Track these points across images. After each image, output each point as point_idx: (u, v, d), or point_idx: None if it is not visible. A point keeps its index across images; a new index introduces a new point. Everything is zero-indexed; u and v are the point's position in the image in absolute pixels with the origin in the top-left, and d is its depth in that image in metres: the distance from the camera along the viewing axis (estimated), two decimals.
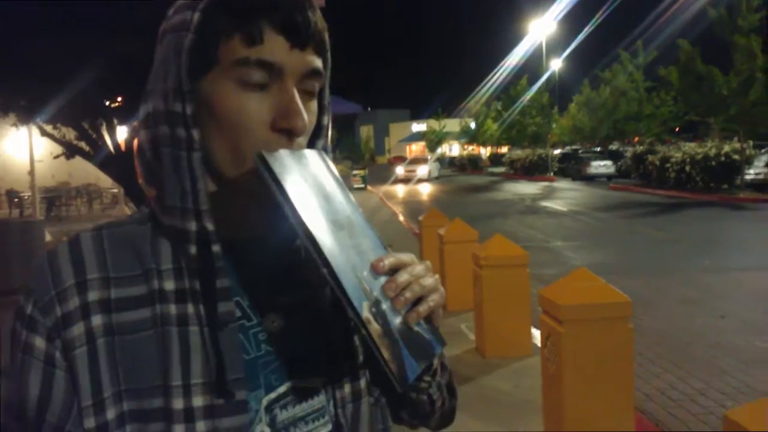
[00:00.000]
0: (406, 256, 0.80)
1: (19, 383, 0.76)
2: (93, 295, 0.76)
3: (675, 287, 8.94)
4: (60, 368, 0.75)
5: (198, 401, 0.75)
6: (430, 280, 0.79)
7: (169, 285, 0.78)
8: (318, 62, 0.81)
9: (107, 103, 7.50)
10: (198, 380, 0.75)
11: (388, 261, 0.77)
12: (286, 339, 0.83)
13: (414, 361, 0.73)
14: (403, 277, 0.76)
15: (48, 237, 11.61)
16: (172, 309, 0.77)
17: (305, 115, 0.78)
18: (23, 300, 0.78)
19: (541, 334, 4.10)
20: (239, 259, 0.82)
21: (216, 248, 0.77)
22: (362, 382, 0.88)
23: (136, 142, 0.82)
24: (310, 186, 0.75)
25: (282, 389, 0.81)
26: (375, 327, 0.71)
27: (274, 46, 0.76)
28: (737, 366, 5.75)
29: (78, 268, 0.77)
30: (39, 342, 0.75)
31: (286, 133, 0.77)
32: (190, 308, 0.77)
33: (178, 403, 0.74)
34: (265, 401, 0.80)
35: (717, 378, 5.48)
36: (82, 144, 8.22)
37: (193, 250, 0.77)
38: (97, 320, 0.75)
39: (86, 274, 0.77)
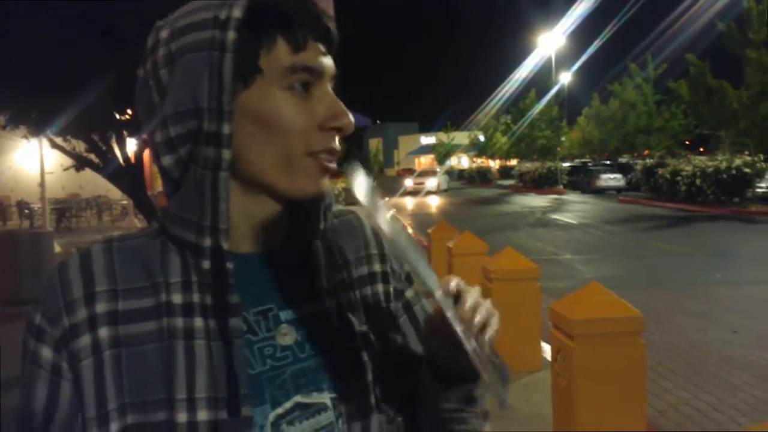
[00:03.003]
0: (459, 280, 0.78)
1: (27, 393, 0.77)
2: (101, 307, 0.76)
3: (686, 301, 8.86)
4: (66, 379, 0.75)
5: (203, 415, 0.74)
6: (488, 303, 0.78)
7: (177, 298, 0.78)
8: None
9: (117, 115, 7.52)
10: (203, 394, 0.75)
11: (454, 284, 0.76)
12: (292, 354, 0.83)
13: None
14: (472, 300, 0.76)
15: (57, 248, 11.67)
16: (179, 322, 0.77)
17: (350, 114, 0.82)
18: (33, 310, 0.78)
19: (552, 349, 4.06)
20: (246, 271, 0.82)
21: (229, 265, 0.77)
22: (371, 399, 0.86)
23: (152, 163, 0.82)
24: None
25: (288, 405, 0.80)
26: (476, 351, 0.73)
27: (314, 52, 0.80)
28: (750, 381, 5.68)
29: (87, 281, 0.77)
30: (46, 352, 0.76)
31: (335, 132, 0.81)
32: (198, 322, 0.77)
33: (182, 417, 0.74)
34: (271, 417, 0.79)
35: (730, 394, 5.41)
36: (92, 156, 8.25)
37: (206, 265, 0.78)
38: (104, 332, 0.75)
39: (95, 286, 0.77)
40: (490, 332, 0.76)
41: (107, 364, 0.75)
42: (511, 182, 50.81)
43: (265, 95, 0.77)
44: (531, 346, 5.90)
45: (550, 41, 48.06)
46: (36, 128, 7.91)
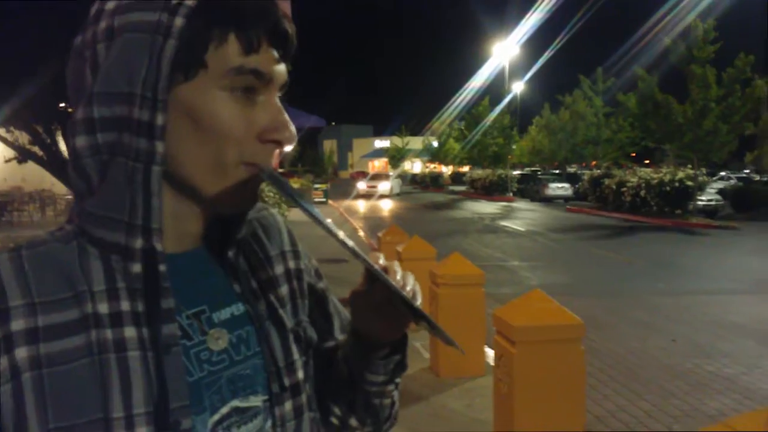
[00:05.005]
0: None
1: None
2: (17, 325, 0.67)
3: (628, 309, 9.08)
4: None
5: None
6: (412, 275, 0.85)
7: (104, 308, 0.71)
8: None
9: (62, 106, 7.31)
10: (141, 410, 0.70)
11: (382, 260, 0.82)
12: (227, 357, 0.80)
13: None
14: (400, 272, 0.83)
15: None
16: (109, 334, 0.70)
17: (293, 127, 0.77)
18: None
19: (495, 355, 4.10)
20: (174, 272, 0.77)
21: (162, 268, 0.73)
22: (303, 397, 0.87)
23: (68, 146, 0.75)
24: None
25: (224, 410, 0.78)
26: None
27: (266, 57, 0.75)
28: (686, 389, 5.85)
29: None
30: None
31: (274, 145, 0.77)
32: (129, 332, 0.71)
33: None
34: (209, 424, 0.76)
35: (666, 401, 5.56)
36: (36, 149, 8.01)
37: (136, 268, 0.72)
38: (22, 353, 0.67)
39: (8, 301, 0.68)
40: (419, 300, 0.82)
41: (27, 389, 0.66)
42: (462, 188, 51.24)
43: (204, 92, 0.72)
44: (475, 351, 5.95)
45: (504, 50, 48.72)
46: None
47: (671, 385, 5.97)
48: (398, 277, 0.82)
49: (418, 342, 6.80)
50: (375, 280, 0.81)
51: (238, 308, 0.84)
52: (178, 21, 0.70)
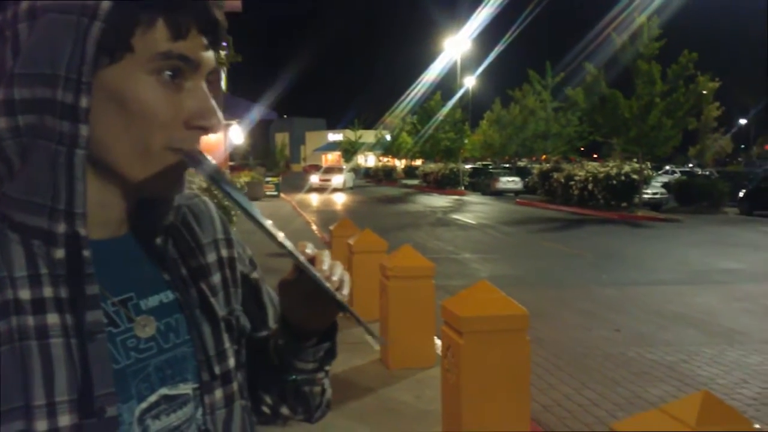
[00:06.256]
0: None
1: None
2: None
3: (574, 300, 9.27)
4: None
5: (65, 420, 0.68)
6: (340, 264, 0.86)
7: (25, 294, 0.70)
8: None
9: None
10: (64, 397, 0.69)
11: (310, 249, 0.83)
12: (156, 345, 0.80)
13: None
14: (328, 261, 0.84)
15: None
16: (30, 320, 0.69)
17: (220, 114, 0.77)
18: None
19: (442, 345, 4.15)
20: (100, 259, 0.76)
21: (86, 253, 0.71)
22: (234, 386, 0.88)
23: None
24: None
25: (153, 398, 0.78)
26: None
27: (195, 43, 0.75)
28: (629, 377, 6.00)
29: None
30: None
31: (201, 131, 0.77)
32: (52, 319, 0.70)
33: (41, 425, 0.67)
34: (137, 412, 0.76)
35: (609, 389, 5.70)
36: None
37: (60, 254, 0.71)
38: None
39: None
40: (346, 289, 0.84)
41: None
42: (415, 182, 51.53)
43: (130, 75, 0.72)
44: (425, 342, 6.00)
45: (456, 45, 49.04)
46: None
47: (615, 373, 6.12)
48: (325, 266, 0.83)
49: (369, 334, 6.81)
50: (303, 270, 0.81)
51: (167, 296, 0.83)
52: (105, 4, 0.69)
